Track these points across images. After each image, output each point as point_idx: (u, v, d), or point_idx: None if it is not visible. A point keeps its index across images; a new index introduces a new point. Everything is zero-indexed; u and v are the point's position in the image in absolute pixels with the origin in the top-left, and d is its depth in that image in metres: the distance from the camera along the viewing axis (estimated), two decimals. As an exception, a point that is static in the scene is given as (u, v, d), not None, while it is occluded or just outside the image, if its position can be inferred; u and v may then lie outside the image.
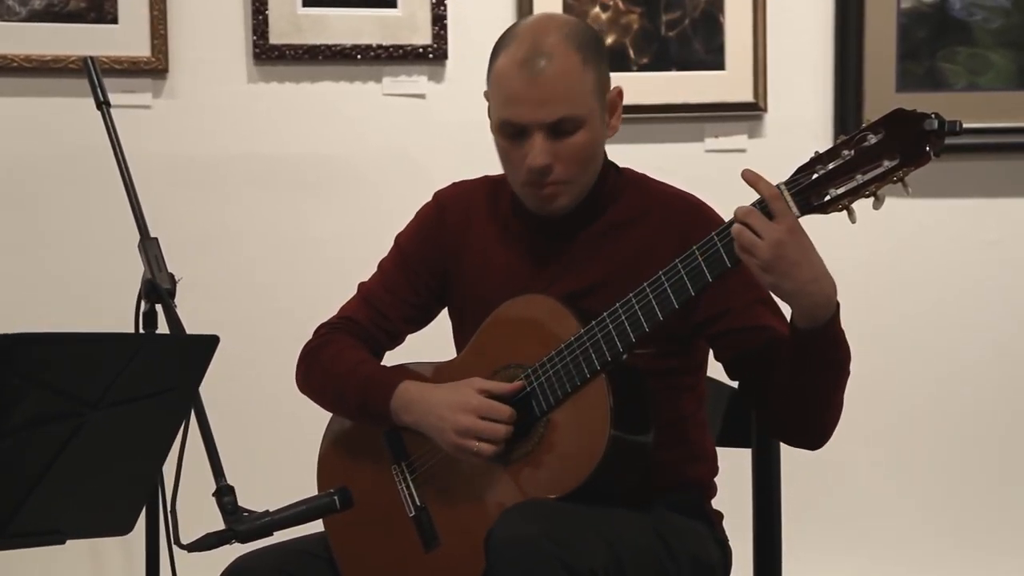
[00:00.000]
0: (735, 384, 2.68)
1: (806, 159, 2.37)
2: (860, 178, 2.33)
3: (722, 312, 2.57)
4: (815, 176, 2.35)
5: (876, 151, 2.32)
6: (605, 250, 2.65)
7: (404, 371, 2.71)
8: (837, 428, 2.54)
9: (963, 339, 4.07)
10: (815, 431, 2.55)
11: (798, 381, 2.47)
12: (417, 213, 2.82)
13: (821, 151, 2.36)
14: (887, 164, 2.31)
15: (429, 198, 2.82)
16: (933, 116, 2.29)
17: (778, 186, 2.37)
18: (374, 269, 2.84)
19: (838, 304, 2.42)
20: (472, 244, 2.74)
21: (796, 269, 2.35)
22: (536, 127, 2.55)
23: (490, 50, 2.64)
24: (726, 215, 2.46)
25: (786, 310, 2.46)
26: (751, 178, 2.37)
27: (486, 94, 2.66)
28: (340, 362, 2.73)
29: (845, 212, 2.35)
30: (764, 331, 2.56)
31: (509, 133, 2.59)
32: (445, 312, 2.82)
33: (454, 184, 2.83)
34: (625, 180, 2.70)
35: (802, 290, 2.36)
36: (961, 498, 4.11)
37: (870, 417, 3.98)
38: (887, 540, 4.07)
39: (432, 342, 2.83)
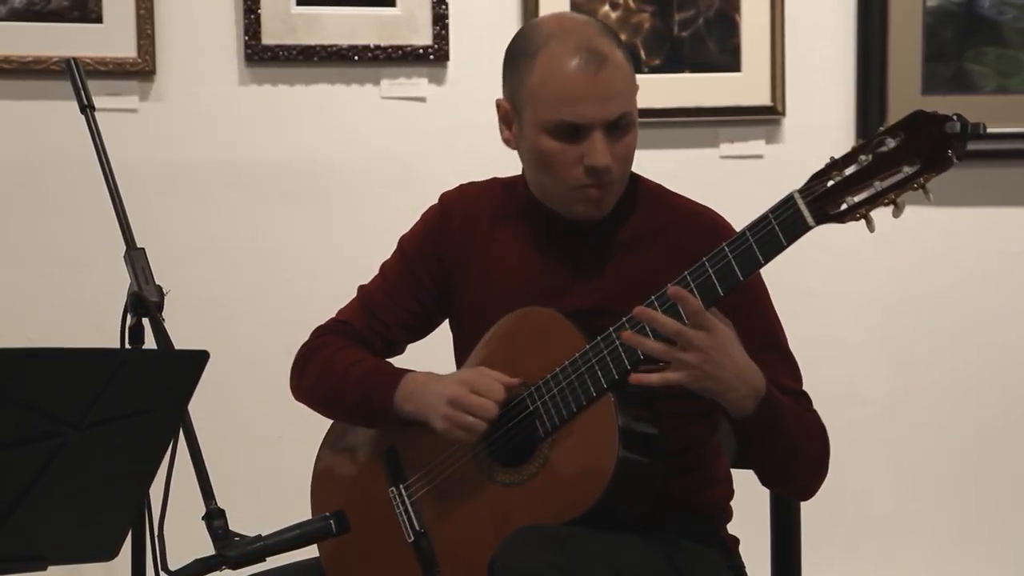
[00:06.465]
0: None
1: (822, 165, 2.37)
2: (878, 185, 2.32)
3: None
4: (831, 183, 2.35)
5: (895, 156, 2.31)
6: (618, 266, 2.65)
7: (406, 370, 2.71)
8: (859, 447, 2.55)
9: (987, 355, 4.07)
10: (794, 491, 2.68)
11: (755, 458, 2.56)
12: (422, 216, 2.83)
13: (837, 156, 2.36)
14: (907, 170, 2.31)
15: (428, 207, 2.82)
16: (955, 118, 2.28)
17: (792, 194, 2.38)
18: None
19: (767, 388, 2.47)
20: (478, 251, 2.74)
21: (717, 380, 2.42)
22: (598, 126, 2.56)
23: (493, 51, 2.64)
24: (743, 225, 2.46)
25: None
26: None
27: (501, 101, 2.65)
28: (337, 362, 2.73)
29: (863, 221, 2.35)
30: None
31: (564, 134, 2.58)
32: (446, 324, 2.82)
33: (461, 187, 2.83)
34: (643, 190, 2.70)
35: (728, 391, 2.44)
36: (988, 521, 4.11)
37: (892, 435, 3.98)
38: (910, 565, 4.07)
39: (432, 355, 2.83)
